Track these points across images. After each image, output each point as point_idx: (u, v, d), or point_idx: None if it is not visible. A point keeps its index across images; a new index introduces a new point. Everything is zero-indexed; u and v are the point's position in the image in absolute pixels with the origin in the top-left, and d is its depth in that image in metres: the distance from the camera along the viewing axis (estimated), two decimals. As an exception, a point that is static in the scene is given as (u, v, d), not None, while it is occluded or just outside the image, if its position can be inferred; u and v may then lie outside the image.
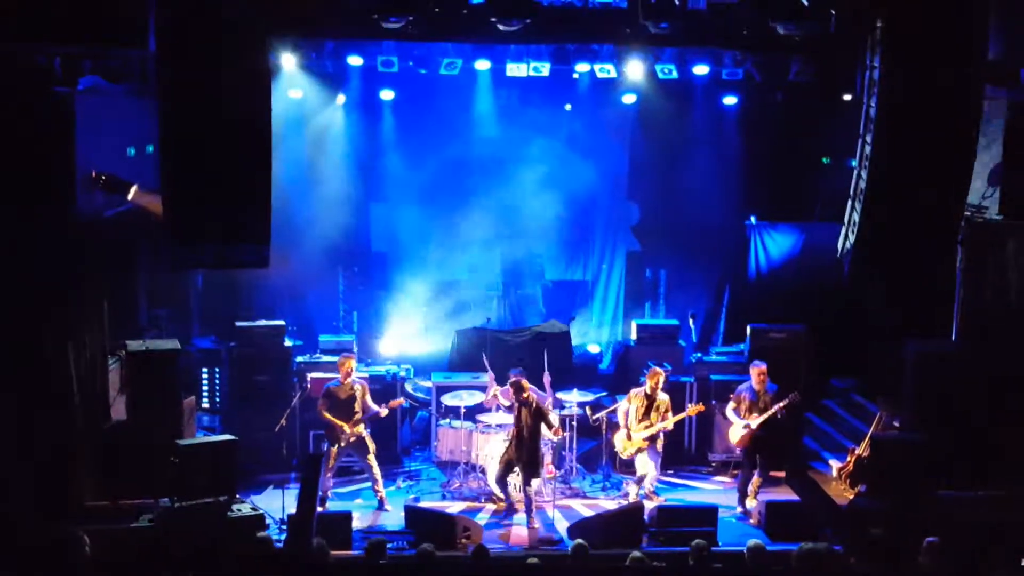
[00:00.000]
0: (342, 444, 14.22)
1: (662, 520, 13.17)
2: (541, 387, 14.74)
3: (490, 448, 14.76)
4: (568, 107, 18.66)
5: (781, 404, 14.07)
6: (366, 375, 15.38)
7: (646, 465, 14.36)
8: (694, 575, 9.44)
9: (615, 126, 19.07)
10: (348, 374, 14.36)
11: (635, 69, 16.45)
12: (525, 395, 13.79)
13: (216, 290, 17.71)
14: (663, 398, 14.38)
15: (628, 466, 14.88)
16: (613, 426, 14.78)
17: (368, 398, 14.44)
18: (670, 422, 14.41)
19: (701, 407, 15.10)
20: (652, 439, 14.33)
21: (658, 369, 14.54)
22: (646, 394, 14.34)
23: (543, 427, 13.77)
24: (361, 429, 14.30)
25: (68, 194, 13.01)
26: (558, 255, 19.90)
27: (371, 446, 14.39)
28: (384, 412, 14.61)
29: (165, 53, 11.89)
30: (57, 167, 12.76)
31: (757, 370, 14.35)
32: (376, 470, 14.37)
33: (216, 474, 12.86)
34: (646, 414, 14.29)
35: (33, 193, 12.47)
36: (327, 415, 14.21)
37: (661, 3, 13.47)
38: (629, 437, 14.34)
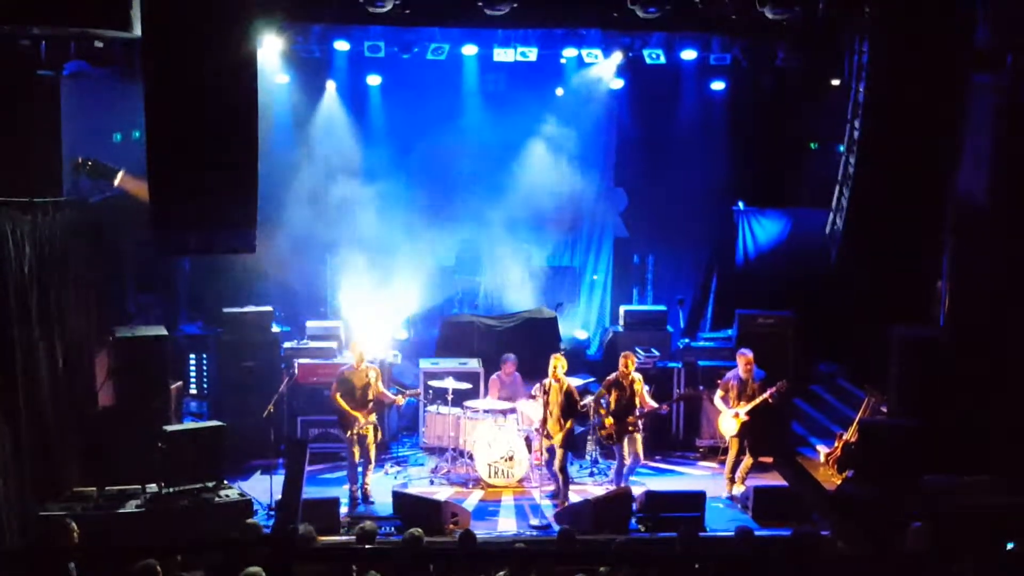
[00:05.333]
0: (356, 431, 14.01)
1: (650, 506, 13.19)
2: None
3: (478, 434, 14.77)
4: (560, 91, 18.60)
5: (769, 392, 14.08)
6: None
7: (627, 452, 14.29)
8: (681, 559, 9.45)
9: (602, 111, 19.05)
10: (361, 359, 14.24)
11: (623, 54, 16.42)
12: (560, 375, 13.90)
13: (203, 276, 17.67)
14: (636, 377, 14.33)
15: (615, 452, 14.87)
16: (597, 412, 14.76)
17: (381, 384, 14.32)
18: (661, 405, 14.43)
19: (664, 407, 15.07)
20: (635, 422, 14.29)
21: (628, 352, 14.56)
22: (618, 381, 14.25)
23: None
24: (374, 417, 14.20)
25: (54, 179, 12.95)
26: (545, 241, 19.87)
27: (378, 435, 14.31)
28: (401, 401, 14.55)
29: (151, 37, 11.81)
30: (43, 152, 12.69)
31: (744, 358, 14.36)
32: (373, 460, 14.28)
33: (204, 460, 12.86)
34: (628, 398, 14.20)
35: (19, 178, 12.40)
36: (341, 402, 14.06)
37: (649, -13, 13.45)
38: (616, 424, 14.28)
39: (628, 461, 14.27)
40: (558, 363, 13.95)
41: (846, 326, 17.27)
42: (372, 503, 14.07)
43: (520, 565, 9.36)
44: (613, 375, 14.30)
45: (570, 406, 13.93)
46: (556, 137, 18.88)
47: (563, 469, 13.99)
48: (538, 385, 14.19)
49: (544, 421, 13.93)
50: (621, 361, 14.27)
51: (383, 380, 14.62)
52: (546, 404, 13.93)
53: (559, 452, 13.95)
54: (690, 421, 16.20)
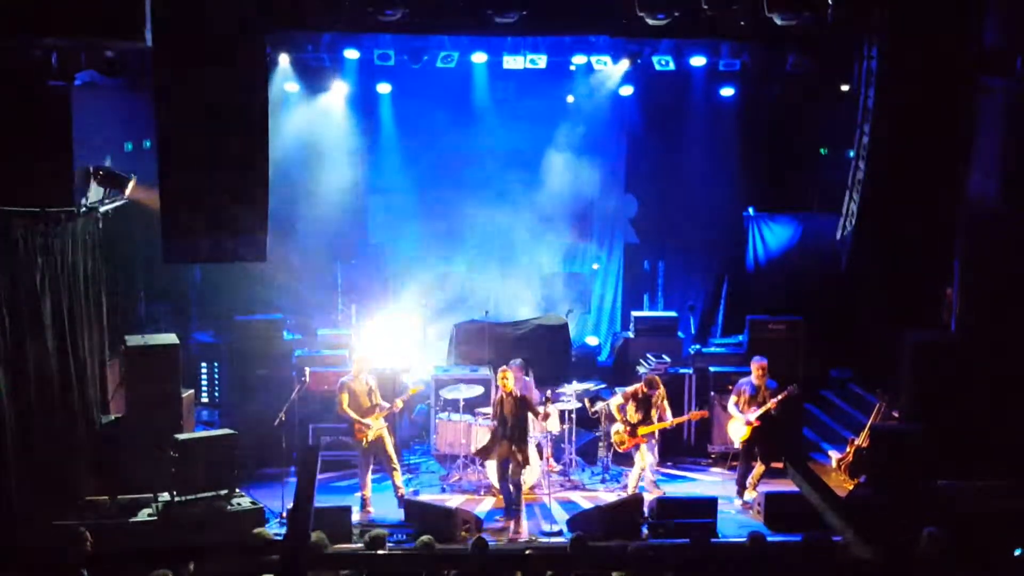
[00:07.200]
0: (370, 439, 14.03)
1: (661, 512, 13.18)
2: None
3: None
4: (571, 99, 18.59)
5: (777, 398, 14.09)
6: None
7: (644, 457, 14.37)
8: (694, 564, 9.45)
9: (612, 118, 19.03)
10: (360, 369, 14.25)
11: (632, 61, 16.44)
12: (509, 388, 13.83)
13: (214, 284, 17.69)
14: (660, 392, 14.41)
15: (626, 458, 14.87)
16: (611, 418, 14.77)
17: (378, 394, 14.35)
18: (672, 421, 14.44)
19: (705, 413, 15.19)
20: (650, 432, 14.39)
21: (655, 378, 14.61)
22: (645, 397, 14.29)
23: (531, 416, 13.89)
24: (383, 421, 14.20)
25: (65, 189, 12.98)
26: (556, 247, 19.85)
27: (391, 439, 14.29)
28: (399, 405, 14.54)
29: (161, 47, 11.86)
30: (54, 162, 12.73)
31: (757, 365, 14.37)
32: (395, 460, 14.26)
33: (216, 468, 12.87)
34: (645, 412, 14.26)
35: (31, 188, 12.45)
36: (349, 411, 14.06)
37: (658, -6, 13.45)
38: (630, 433, 14.30)
39: (646, 463, 14.35)
40: (507, 376, 13.90)
41: (857, 331, 17.24)
42: (417, 492, 14.23)
43: (532, 571, 9.35)
44: (638, 391, 14.33)
45: (527, 417, 13.86)
46: (566, 144, 18.88)
47: (517, 483, 13.77)
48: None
49: (500, 437, 13.82)
50: (650, 388, 14.33)
51: (394, 388, 14.60)
52: (501, 418, 13.88)
53: (515, 466, 13.78)
54: (702, 427, 16.16)
